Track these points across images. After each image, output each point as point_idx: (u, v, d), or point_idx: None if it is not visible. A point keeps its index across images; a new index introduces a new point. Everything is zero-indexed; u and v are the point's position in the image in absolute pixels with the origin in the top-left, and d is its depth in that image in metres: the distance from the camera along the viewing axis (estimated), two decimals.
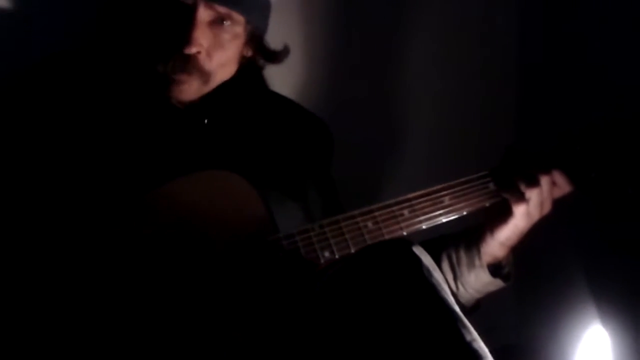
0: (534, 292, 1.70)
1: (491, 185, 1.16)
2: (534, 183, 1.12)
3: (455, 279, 1.21)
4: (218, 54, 1.15)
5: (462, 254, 1.21)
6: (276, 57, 1.26)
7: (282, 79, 1.34)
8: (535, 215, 1.13)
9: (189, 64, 1.13)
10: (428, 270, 1.00)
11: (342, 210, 1.31)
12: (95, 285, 1.03)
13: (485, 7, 1.72)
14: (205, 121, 1.19)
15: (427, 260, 1.01)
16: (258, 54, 1.24)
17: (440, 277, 1.02)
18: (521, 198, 1.12)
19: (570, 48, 1.63)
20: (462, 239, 1.22)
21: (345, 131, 1.39)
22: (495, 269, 1.20)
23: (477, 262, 1.19)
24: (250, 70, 1.25)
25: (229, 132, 1.21)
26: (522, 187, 1.12)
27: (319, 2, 1.59)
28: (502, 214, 1.15)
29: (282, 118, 1.28)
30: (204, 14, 1.11)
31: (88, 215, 1.06)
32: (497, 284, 1.21)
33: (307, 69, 1.56)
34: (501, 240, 1.16)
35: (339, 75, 1.62)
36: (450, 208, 1.15)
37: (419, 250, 1.02)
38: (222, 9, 1.12)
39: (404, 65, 1.68)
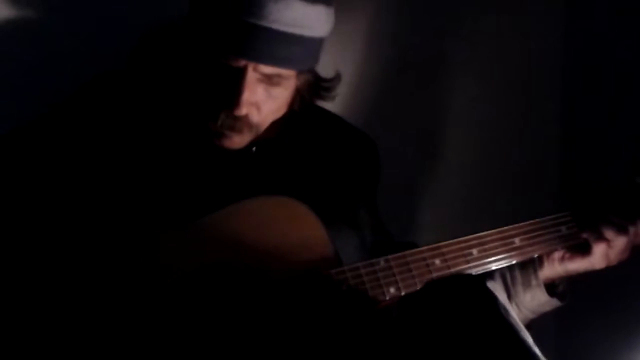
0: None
1: (564, 229, 1.13)
2: (621, 231, 1.10)
3: (509, 298, 1.17)
4: (268, 106, 1.10)
5: (517, 273, 1.18)
6: (329, 87, 1.19)
7: None
8: (615, 260, 1.10)
9: (238, 123, 1.08)
10: (505, 309, 0.94)
11: (388, 233, 1.29)
12: (140, 320, 0.99)
13: (531, 26, 1.69)
14: (253, 149, 1.16)
15: (502, 297, 0.96)
16: (309, 93, 1.18)
17: (516, 316, 0.97)
18: (604, 241, 1.08)
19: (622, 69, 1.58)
20: None
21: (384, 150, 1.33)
22: (548, 287, 1.18)
23: (533, 282, 1.16)
24: (300, 102, 1.20)
25: (278, 156, 1.18)
26: (609, 234, 1.10)
27: (361, 19, 1.55)
28: (579, 249, 1.12)
29: (330, 138, 1.24)
30: (253, 75, 1.06)
31: (132, 243, 1.02)
32: (553, 303, 1.18)
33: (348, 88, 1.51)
34: (569, 270, 1.15)
35: (378, 95, 1.58)
36: (521, 250, 1.11)
37: (492, 286, 0.97)
38: (272, 70, 1.07)
39: (446, 94, 1.65)
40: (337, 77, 1.19)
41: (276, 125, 1.15)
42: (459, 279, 1.02)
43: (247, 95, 1.06)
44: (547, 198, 1.71)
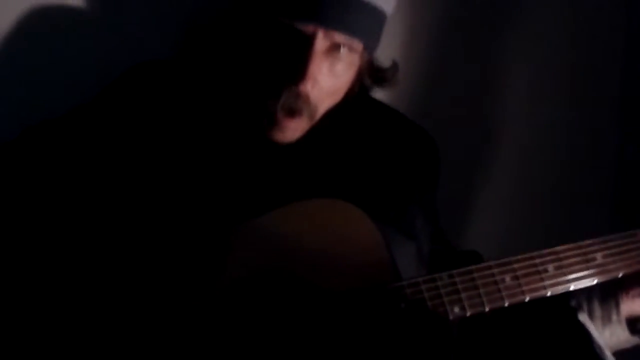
0: None
1: None
2: None
3: None
4: (329, 84, 1.00)
5: (597, 306, 1.05)
6: (386, 77, 1.10)
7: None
8: None
9: (300, 100, 0.97)
10: (600, 349, 0.82)
11: (447, 242, 1.18)
12: (180, 332, 0.89)
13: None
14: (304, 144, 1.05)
15: (595, 333, 0.84)
16: (368, 76, 1.08)
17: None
18: None
19: None
20: (596, 287, 1.04)
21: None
22: (629, 323, 1.06)
23: (614, 317, 1.04)
24: (356, 92, 1.09)
25: (330, 154, 1.07)
26: None
27: (417, 12, 1.45)
28: None
29: (387, 133, 1.13)
30: (321, 43, 0.96)
31: (171, 246, 0.92)
32: (633, 341, 1.06)
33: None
34: None
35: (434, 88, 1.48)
36: (604, 268, 0.98)
37: (584, 319, 0.84)
38: (342, 38, 0.97)
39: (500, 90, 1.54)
40: (394, 67, 1.09)
41: (330, 116, 1.05)
42: (545, 307, 0.89)
43: (314, 67, 0.95)
44: (602, 208, 1.61)
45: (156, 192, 0.97)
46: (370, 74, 1.07)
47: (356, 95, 1.07)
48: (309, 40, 0.95)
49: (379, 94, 1.17)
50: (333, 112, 1.05)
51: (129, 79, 1.04)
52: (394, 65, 1.09)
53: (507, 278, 0.95)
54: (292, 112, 0.98)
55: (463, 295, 0.93)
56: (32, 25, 1.10)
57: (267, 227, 0.94)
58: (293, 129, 1.00)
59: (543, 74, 1.55)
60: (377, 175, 1.07)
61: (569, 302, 1.05)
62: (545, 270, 0.96)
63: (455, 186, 1.41)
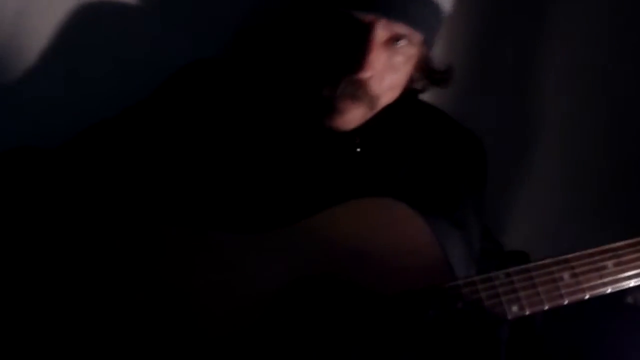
0: None
1: None
2: None
3: None
4: (389, 77, 1.00)
5: None
6: (442, 79, 1.10)
7: None
8: None
9: (359, 90, 0.97)
10: None
11: (497, 241, 1.17)
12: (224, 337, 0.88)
13: None
14: (358, 140, 1.04)
15: None
16: (424, 74, 1.08)
17: None
18: None
19: None
20: None
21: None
22: None
23: None
24: (409, 92, 1.09)
25: (384, 155, 1.06)
26: None
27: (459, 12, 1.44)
28: None
29: (436, 135, 1.12)
30: (381, 33, 0.96)
31: (221, 245, 0.92)
32: None
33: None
34: None
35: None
36: None
37: None
38: (402, 29, 0.96)
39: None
40: (449, 70, 1.08)
41: (385, 114, 1.04)
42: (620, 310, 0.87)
43: (373, 56, 0.95)
44: None
45: (214, 187, 0.96)
46: (426, 71, 1.07)
47: (407, 96, 1.07)
48: (369, 30, 0.94)
49: (425, 95, 1.17)
50: (388, 110, 1.04)
51: (185, 76, 1.04)
52: (450, 67, 1.09)
53: (566, 276, 0.93)
54: (352, 98, 0.97)
55: (521, 294, 0.91)
56: (87, 25, 1.11)
57: (318, 228, 0.93)
58: (352, 114, 1.00)
59: (588, 75, 1.52)
60: (428, 174, 1.07)
61: (625, 299, 1.02)
62: (605, 267, 0.94)
63: (501, 187, 1.39)
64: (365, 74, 0.95)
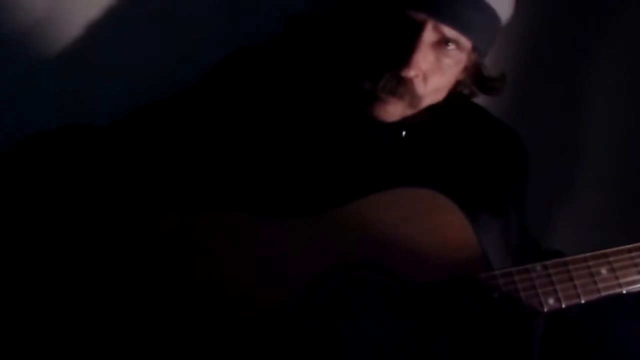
0: None
1: None
2: None
3: None
4: (435, 79, 1.00)
5: None
6: (492, 86, 1.09)
7: None
8: None
9: (402, 87, 0.98)
10: None
11: (534, 239, 1.17)
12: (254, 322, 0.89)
13: None
14: (403, 133, 1.05)
15: None
16: (474, 82, 1.08)
17: None
18: None
19: None
20: None
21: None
22: None
23: None
24: (457, 96, 1.10)
25: (426, 147, 1.07)
26: None
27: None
28: None
29: (480, 132, 1.12)
30: (430, 34, 0.96)
31: (256, 229, 0.93)
32: None
33: None
34: None
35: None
36: None
37: None
38: (452, 33, 0.97)
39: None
40: (502, 78, 1.08)
41: (429, 111, 1.05)
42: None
43: (420, 56, 0.95)
44: None
45: (258, 172, 0.98)
46: (477, 78, 1.07)
47: (454, 100, 1.07)
48: (418, 29, 0.95)
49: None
50: (432, 109, 1.05)
51: (234, 62, 1.06)
52: (502, 76, 1.09)
53: (603, 270, 0.93)
54: (393, 93, 0.98)
55: (558, 287, 0.92)
56: (135, 9, 1.13)
57: (358, 214, 0.94)
58: (393, 107, 1.00)
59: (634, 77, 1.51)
60: (470, 170, 1.07)
61: None
62: None
63: (542, 188, 1.39)
64: (409, 72, 0.96)
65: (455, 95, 1.08)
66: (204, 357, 0.87)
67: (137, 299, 0.88)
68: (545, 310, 0.91)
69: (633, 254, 0.94)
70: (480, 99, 1.18)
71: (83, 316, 0.87)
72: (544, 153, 1.45)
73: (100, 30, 1.11)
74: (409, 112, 1.02)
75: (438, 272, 0.92)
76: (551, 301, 0.91)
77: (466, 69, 1.04)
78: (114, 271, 0.89)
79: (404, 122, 1.04)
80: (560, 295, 0.92)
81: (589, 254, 0.94)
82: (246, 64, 1.06)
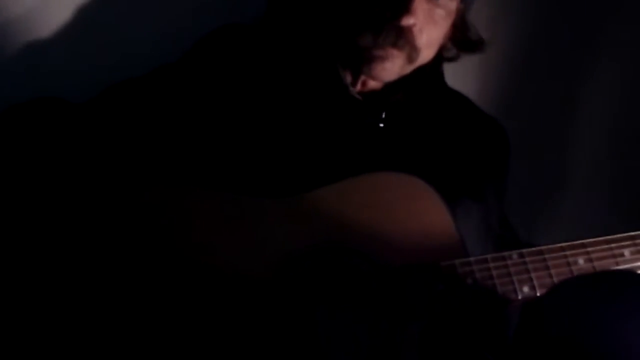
0: None
1: None
2: None
3: None
4: (429, 30, 1.01)
5: None
6: (473, 47, 1.09)
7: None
8: None
9: (402, 38, 0.98)
10: None
11: (513, 231, 1.16)
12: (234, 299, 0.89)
13: None
14: (383, 115, 1.05)
15: None
16: (457, 39, 1.08)
17: None
18: None
19: None
20: None
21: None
22: None
23: None
24: (436, 60, 1.09)
25: (405, 130, 1.06)
26: None
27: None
28: None
29: (461, 120, 1.12)
30: None
31: (236, 207, 0.93)
32: None
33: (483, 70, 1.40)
34: None
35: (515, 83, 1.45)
36: None
37: None
38: None
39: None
40: (479, 41, 1.09)
41: (409, 79, 1.05)
42: (615, 275, 0.85)
43: (417, 3, 0.96)
44: None
45: (236, 151, 0.98)
46: (461, 32, 1.07)
47: (439, 62, 1.07)
48: None
49: (466, 84, 1.18)
50: (412, 75, 1.05)
51: (214, 40, 1.06)
52: (480, 40, 1.09)
53: (581, 260, 0.92)
54: (394, 45, 0.98)
55: (533, 274, 0.91)
56: None
57: (334, 197, 0.93)
58: (392, 62, 1.00)
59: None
60: (451, 157, 1.07)
61: None
62: (622, 255, 0.93)
63: (530, 184, 1.38)
64: (410, 20, 0.96)
65: (440, 59, 1.08)
66: (183, 332, 0.86)
67: (117, 275, 0.88)
68: (520, 297, 0.90)
69: (612, 244, 0.93)
70: (471, 93, 1.18)
71: (73, 288, 0.87)
72: (535, 150, 1.45)
73: (75, 5, 1.11)
74: (406, 69, 1.03)
75: (414, 258, 0.91)
76: (526, 289, 0.90)
77: (454, 25, 1.05)
78: (94, 246, 0.89)
79: (384, 101, 1.04)
80: (535, 283, 0.91)
81: (566, 243, 0.93)
82: (228, 41, 1.05)
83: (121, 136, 0.99)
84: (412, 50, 1.00)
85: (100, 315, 0.86)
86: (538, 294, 0.90)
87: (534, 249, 0.93)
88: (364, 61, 1.00)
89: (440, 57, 1.09)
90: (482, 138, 1.11)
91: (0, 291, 0.86)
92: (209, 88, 1.02)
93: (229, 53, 1.04)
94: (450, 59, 1.10)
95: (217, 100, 1.01)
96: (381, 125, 1.05)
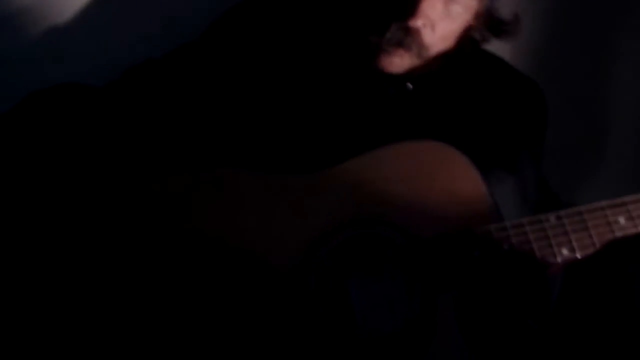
0: None
1: None
2: None
3: None
4: (443, 26, 0.97)
5: None
6: (506, 29, 1.04)
7: None
8: None
9: (409, 38, 0.95)
10: None
11: (555, 195, 1.12)
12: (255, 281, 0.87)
13: None
14: (410, 86, 1.02)
15: None
16: (486, 26, 1.03)
17: None
18: None
19: None
20: None
21: None
22: None
23: None
24: (468, 42, 1.05)
25: (435, 97, 1.03)
26: None
27: None
28: None
29: (494, 82, 1.08)
30: None
31: (261, 185, 0.92)
32: None
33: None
34: None
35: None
36: None
37: None
38: None
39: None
40: (516, 19, 1.03)
41: (438, 60, 1.01)
42: None
43: (427, 4, 0.93)
44: None
45: (262, 128, 0.97)
46: (488, 22, 1.02)
47: (465, 45, 1.03)
48: None
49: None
50: (442, 58, 1.01)
51: (234, 17, 1.04)
52: (516, 17, 1.04)
53: (621, 219, 0.89)
54: (400, 44, 0.95)
55: (572, 236, 0.88)
56: None
57: (360, 169, 0.91)
58: (399, 58, 0.97)
59: None
60: (484, 122, 1.03)
61: None
62: None
63: (568, 142, 1.34)
64: (417, 22, 0.93)
65: (467, 41, 1.03)
66: (205, 319, 0.85)
67: (135, 260, 0.87)
68: (559, 260, 0.87)
69: None
70: (504, 53, 1.14)
71: (82, 276, 0.86)
72: (570, 110, 1.40)
73: None
74: (416, 62, 0.99)
75: (447, 226, 0.89)
76: (565, 251, 0.87)
77: (477, 14, 1.00)
78: (113, 234, 0.88)
79: (410, 74, 1.00)
80: (574, 245, 0.87)
81: (605, 202, 0.90)
82: (247, 19, 1.03)
83: (143, 118, 0.98)
84: (421, 49, 0.96)
85: (113, 306, 0.85)
86: (578, 256, 0.87)
87: (572, 209, 0.89)
88: (370, 54, 0.98)
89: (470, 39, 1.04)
90: (516, 101, 1.07)
91: (8, 277, 0.86)
92: (231, 65, 1.00)
93: (250, 30, 1.03)
94: (481, 41, 1.05)
95: (240, 76, 1.00)
96: (410, 86, 1.02)
